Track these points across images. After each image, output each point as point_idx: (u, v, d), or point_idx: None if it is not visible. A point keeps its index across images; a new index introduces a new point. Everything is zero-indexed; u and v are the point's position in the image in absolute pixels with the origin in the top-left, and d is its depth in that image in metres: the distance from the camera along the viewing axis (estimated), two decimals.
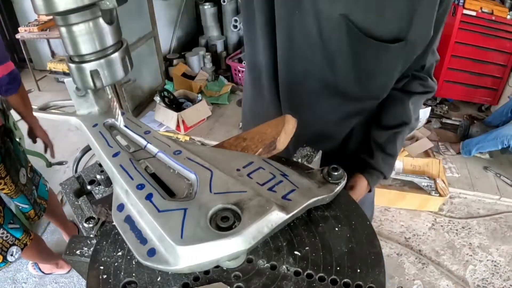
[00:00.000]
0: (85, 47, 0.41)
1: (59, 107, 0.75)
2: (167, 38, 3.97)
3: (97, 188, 0.87)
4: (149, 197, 0.49)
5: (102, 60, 0.43)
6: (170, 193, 0.52)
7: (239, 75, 3.49)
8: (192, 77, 3.53)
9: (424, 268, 2.14)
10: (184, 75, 3.53)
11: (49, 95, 3.75)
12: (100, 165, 0.93)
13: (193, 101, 3.14)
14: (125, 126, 0.64)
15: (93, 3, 0.38)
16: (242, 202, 0.46)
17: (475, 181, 2.68)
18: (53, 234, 2.23)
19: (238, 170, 0.55)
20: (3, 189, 1.47)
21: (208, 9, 3.92)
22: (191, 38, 4.27)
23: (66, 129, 3.08)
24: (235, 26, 3.81)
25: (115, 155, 0.57)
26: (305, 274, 0.50)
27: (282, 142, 0.66)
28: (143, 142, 0.61)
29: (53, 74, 3.84)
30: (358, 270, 0.50)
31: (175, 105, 3.08)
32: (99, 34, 0.41)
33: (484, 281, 2.12)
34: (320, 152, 0.75)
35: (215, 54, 3.83)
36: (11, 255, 1.56)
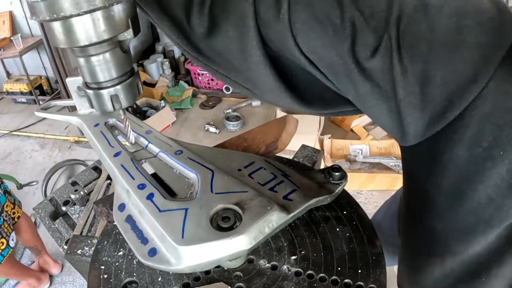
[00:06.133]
0: (104, 75, 0.44)
1: (60, 107, 0.74)
2: None
3: (72, 208, 0.86)
4: (150, 197, 0.49)
5: (120, 86, 0.45)
6: (171, 193, 0.52)
7: (199, 78, 3.45)
8: (152, 85, 3.52)
9: None
10: (144, 83, 3.51)
11: (8, 117, 3.57)
12: (72, 184, 0.93)
13: (156, 108, 3.15)
14: None
15: (113, 36, 0.40)
16: (243, 202, 0.46)
17: None
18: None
19: (239, 170, 0.55)
20: None
21: None
22: (147, 46, 4.20)
23: (30, 149, 2.99)
24: None
25: (116, 155, 0.57)
26: (306, 274, 0.50)
27: (284, 142, 0.66)
28: (144, 142, 0.61)
29: (10, 95, 3.64)
30: (359, 271, 0.50)
31: (139, 113, 3.09)
32: (117, 62, 0.43)
33: None
34: (321, 152, 0.75)
35: (173, 59, 3.77)
36: (12, 240, 1.58)
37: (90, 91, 0.46)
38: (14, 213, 1.67)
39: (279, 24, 0.38)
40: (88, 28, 0.38)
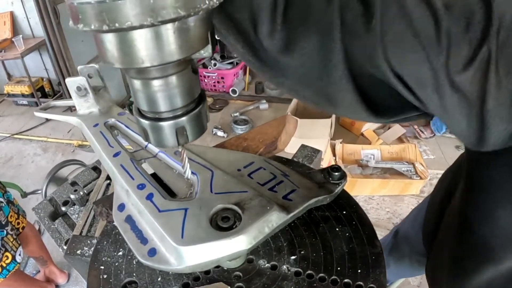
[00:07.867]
0: (166, 104, 0.33)
1: (63, 108, 0.74)
2: None
3: (72, 208, 0.86)
4: (149, 197, 0.49)
5: (186, 117, 0.35)
6: (170, 193, 0.52)
7: (205, 80, 3.42)
8: None
9: None
10: None
11: (9, 120, 3.54)
12: (72, 184, 0.93)
13: None
14: (126, 126, 0.64)
15: (188, 55, 0.30)
16: (243, 202, 0.46)
17: (449, 161, 2.67)
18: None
19: (239, 170, 0.55)
20: None
21: None
22: None
23: (32, 153, 2.94)
24: None
25: (116, 155, 0.57)
26: (305, 274, 0.50)
27: (283, 142, 0.66)
28: (144, 142, 0.61)
29: (11, 98, 3.57)
30: (359, 271, 0.50)
31: None
32: (185, 87, 0.33)
33: None
34: (321, 152, 0.75)
35: None
36: (19, 255, 1.55)
37: (145, 122, 0.35)
38: (18, 223, 1.64)
39: (368, 35, 0.34)
40: (157, 45, 0.27)
